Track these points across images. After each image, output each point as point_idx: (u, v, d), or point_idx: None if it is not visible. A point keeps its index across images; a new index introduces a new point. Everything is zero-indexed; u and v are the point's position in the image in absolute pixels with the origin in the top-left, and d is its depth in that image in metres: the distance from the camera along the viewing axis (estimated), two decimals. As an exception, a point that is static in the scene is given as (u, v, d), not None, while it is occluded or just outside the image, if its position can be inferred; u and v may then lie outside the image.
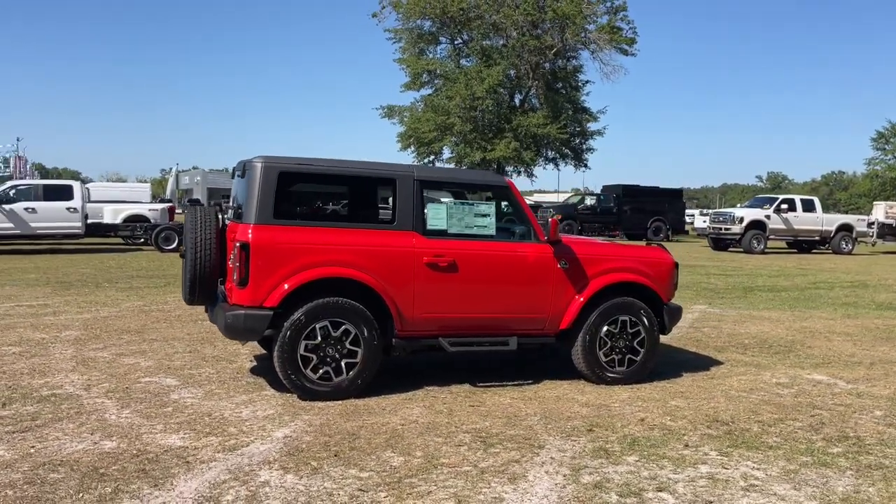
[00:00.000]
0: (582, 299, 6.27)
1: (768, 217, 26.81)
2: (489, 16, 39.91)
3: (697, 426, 5.19)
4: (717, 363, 7.38)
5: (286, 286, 5.46)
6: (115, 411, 5.17)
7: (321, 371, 5.58)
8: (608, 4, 40.75)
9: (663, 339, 8.23)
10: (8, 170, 70.19)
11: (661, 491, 3.98)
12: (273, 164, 5.62)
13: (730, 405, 5.78)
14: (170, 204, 24.04)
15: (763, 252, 26.21)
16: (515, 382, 6.33)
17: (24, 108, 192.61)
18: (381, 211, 5.94)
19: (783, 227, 27.09)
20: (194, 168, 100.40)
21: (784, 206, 27.12)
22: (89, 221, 20.80)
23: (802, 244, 28.35)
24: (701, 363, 7.34)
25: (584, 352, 6.28)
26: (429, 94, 41.77)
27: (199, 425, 4.91)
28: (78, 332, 8.13)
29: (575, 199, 37.20)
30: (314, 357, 5.54)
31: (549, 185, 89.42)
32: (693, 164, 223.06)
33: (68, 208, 19.61)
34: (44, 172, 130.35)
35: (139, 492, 3.77)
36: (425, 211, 6.00)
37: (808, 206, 27.87)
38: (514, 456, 4.46)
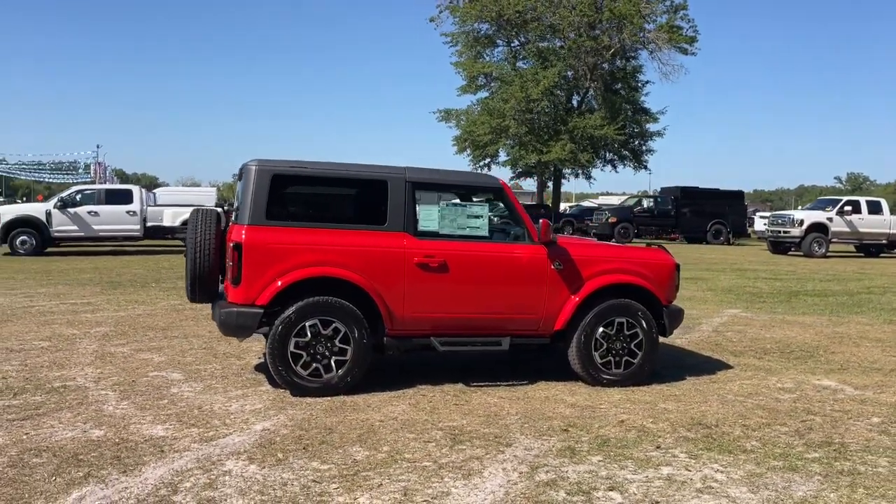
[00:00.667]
0: (576, 300, 6.28)
1: (830, 219, 25.89)
2: (546, 17, 39.77)
3: (677, 429, 5.14)
4: (727, 367, 7.25)
5: (277, 285, 5.65)
6: (114, 403, 5.45)
7: (311, 368, 5.74)
8: (667, 3, 40.11)
9: (678, 342, 8.20)
10: (88, 175, 73.41)
11: (611, 490, 3.98)
12: (266, 166, 5.83)
13: (721, 409, 5.70)
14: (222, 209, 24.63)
15: (825, 256, 25.35)
16: (510, 383, 6.37)
17: (105, 114, 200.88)
18: (373, 212, 6.06)
19: (847, 229, 26.12)
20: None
21: (848, 208, 26.15)
22: (150, 224, 21.65)
23: (870, 248, 27.28)
24: (709, 367, 7.23)
25: (580, 353, 6.28)
26: (485, 98, 41.86)
27: (187, 417, 5.13)
28: (108, 328, 8.54)
29: (631, 202, 36.66)
30: (304, 354, 5.71)
31: (615, 187, 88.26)
32: (767, 165, 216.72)
33: (128, 211, 20.47)
34: (124, 178, 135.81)
35: (107, 477, 3.99)
36: (417, 212, 6.10)
37: (875, 208, 26.79)
38: (478, 453, 4.53)
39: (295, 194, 6.07)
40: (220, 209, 6.51)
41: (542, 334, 6.34)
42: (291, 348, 5.68)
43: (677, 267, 6.69)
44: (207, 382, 6.14)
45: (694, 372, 6.98)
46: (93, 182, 65.94)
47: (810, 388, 6.43)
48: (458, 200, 6.54)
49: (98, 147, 79.45)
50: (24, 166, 76.66)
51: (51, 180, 79.75)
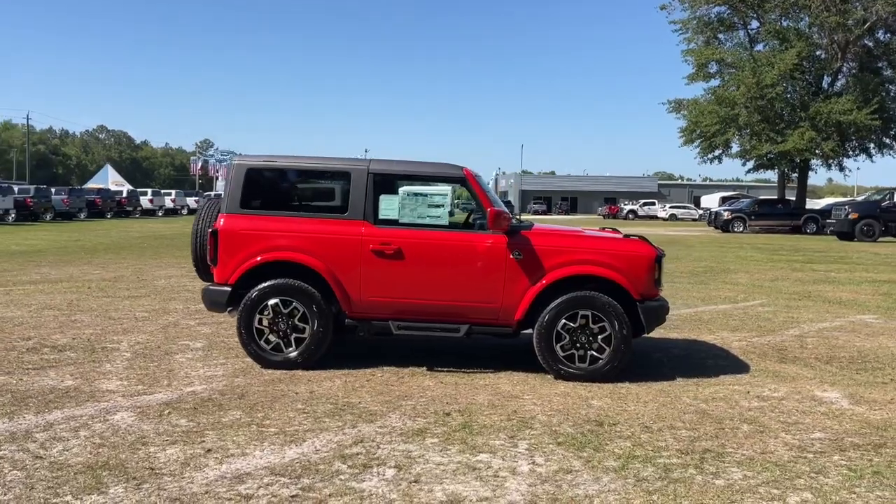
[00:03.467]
0: (535, 291, 6.21)
1: None
2: (788, -7, 36.49)
3: (562, 424, 4.99)
4: (736, 371, 6.65)
5: (243, 267, 6.34)
6: (112, 364, 6.47)
7: (273, 343, 6.35)
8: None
9: (735, 343, 7.64)
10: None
11: (394, 468, 4.10)
12: (243, 161, 6.56)
13: (660, 410, 5.36)
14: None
15: None
16: (475, 370, 6.47)
17: (366, 122, 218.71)
18: (336, 202, 6.50)
19: None
20: (523, 172, 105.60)
21: None
22: None
23: None
24: (714, 369, 6.69)
25: (540, 345, 6.21)
26: (715, 86, 39.52)
27: (148, 378, 6.00)
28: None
29: (877, 196, 32.43)
30: (267, 330, 6.34)
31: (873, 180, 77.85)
32: None
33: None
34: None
35: (20, 414, 4.92)
36: (378, 201, 6.44)
37: None
38: (333, 425, 4.83)
39: (267, 186, 6.69)
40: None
41: (504, 323, 6.35)
42: (256, 324, 6.33)
43: (657, 259, 6.29)
44: (206, 352, 6.97)
45: (689, 373, 6.51)
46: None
47: (795, 399, 5.74)
48: (419, 189, 6.69)
49: (366, 151, 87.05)
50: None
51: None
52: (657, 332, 8.25)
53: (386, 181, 6.55)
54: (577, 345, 6.19)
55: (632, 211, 63.52)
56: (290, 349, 6.34)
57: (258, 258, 6.32)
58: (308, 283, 6.32)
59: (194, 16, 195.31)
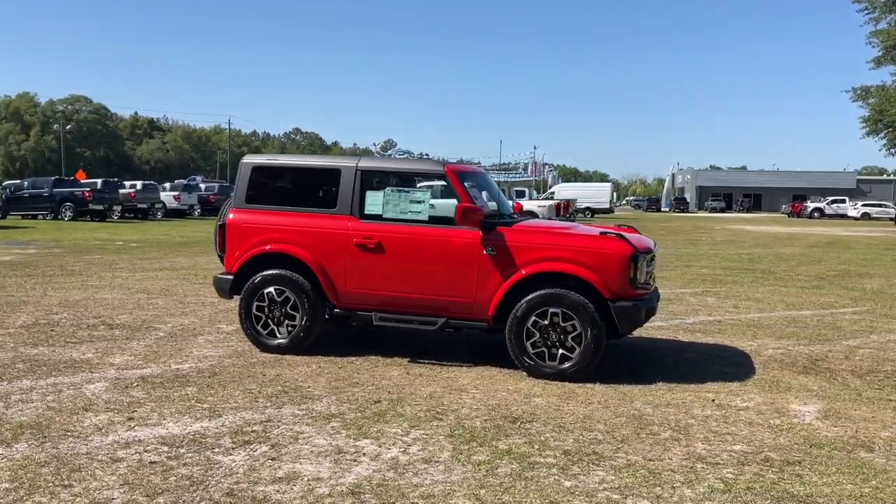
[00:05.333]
0: (505, 287, 6.23)
1: None
2: None
3: (476, 419, 5.03)
4: (739, 380, 6.25)
5: (242, 257, 6.89)
6: (139, 342, 7.26)
7: (269, 329, 6.85)
8: None
9: (768, 351, 7.22)
10: (525, 174, 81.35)
11: (261, 443, 4.40)
12: (249, 159, 7.12)
13: (595, 412, 5.24)
14: (556, 201, 25.95)
15: None
16: (455, 364, 6.59)
17: (542, 119, 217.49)
18: (328, 197, 6.86)
19: None
20: (707, 169, 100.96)
21: None
22: None
23: None
24: (725, 376, 6.34)
25: (511, 341, 6.23)
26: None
27: (155, 355, 6.69)
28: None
29: None
30: (263, 316, 6.85)
31: None
32: None
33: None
34: (576, 175, 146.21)
35: (20, 379, 5.73)
36: (365, 197, 6.73)
37: None
38: (250, 405, 5.20)
39: (270, 182, 7.17)
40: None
41: (478, 318, 6.41)
42: (254, 311, 6.86)
43: (633, 258, 6.06)
44: (223, 335, 7.59)
45: (677, 378, 6.23)
46: (530, 182, 73.02)
47: (759, 411, 5.35)
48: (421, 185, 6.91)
49: (535, 148, 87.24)
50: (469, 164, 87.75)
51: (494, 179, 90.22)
52: (687, 336, 7.93)
53: (373, 178, 6.81)
54: (548, 343, 6.13)
55: (817, 209, 58.57)
56: (283, 335, 6.79)
57: (255, 250, 6.83)
58: (300, 274, 6.73)
59: (381, 22, 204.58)
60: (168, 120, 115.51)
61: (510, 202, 8.56)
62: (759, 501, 3.74)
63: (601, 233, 6.36)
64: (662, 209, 79.79)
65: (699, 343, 7.74)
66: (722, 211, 75.24)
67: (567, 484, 3.92)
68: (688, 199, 79.20)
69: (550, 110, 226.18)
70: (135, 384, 5.68)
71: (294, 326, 6.75)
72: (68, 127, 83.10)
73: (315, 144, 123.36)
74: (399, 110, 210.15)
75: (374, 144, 75.26)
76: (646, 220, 48.07)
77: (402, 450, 4.38)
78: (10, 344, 6.96)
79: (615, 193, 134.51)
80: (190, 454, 4.24)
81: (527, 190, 35.84)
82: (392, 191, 6.68)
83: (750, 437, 4.71)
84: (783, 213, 67.32)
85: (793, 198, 73.85)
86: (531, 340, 6.16)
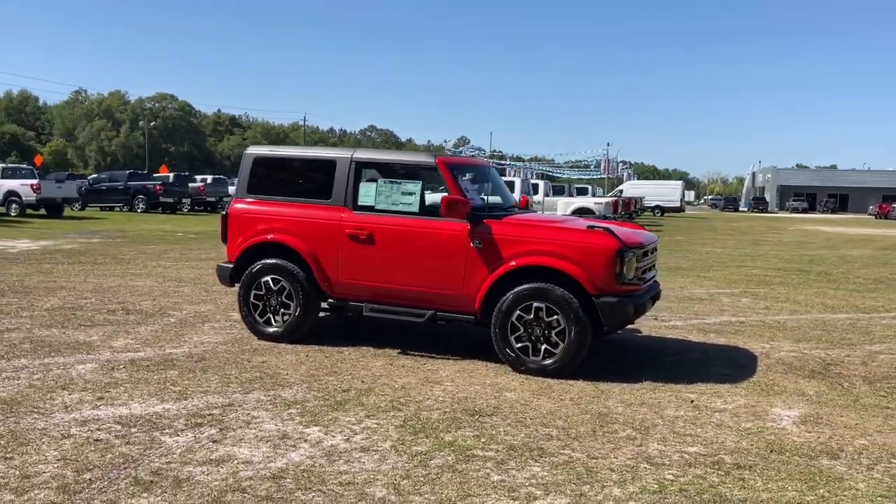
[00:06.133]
0: (490, 280, 6.17)
1: None
2: None
3: (435, 411, 5.00)
4: (732, 382, 6.01)
5: (243, 246, 7.03)
6: (147, 327, 7.50)
7: (265, 317, 6.97)
8: None
9: (779, 353, 7.02)
10: (597, 171, 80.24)
11: (211, 426, 4.48)
12: (251, 151, 7.26)
13: (562, 409, 5.13)
14: (615, 198, 25.46)
15: None
16: (444, 357, 6.56)
17: (618, 116, 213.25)
18: (323, 188, 6.91)
19: None
20: (793, 168, 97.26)
21: None
22: (548, 213, 23.95)
23: None
24: (718, 377, 6.13)
25: (496, 335, 6.16)
26: None
27: (155, 340, 6.90)
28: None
29: None
30: (260, 304, 6.97)
31: None
32: None
33: (508, 199, 22.96)
34: (655, 174, 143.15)
35: (18, 358, 6.00)
36: (358, 188, 6.76)
37: None
38: (221, 389, 5.30)
39: (271, 173, 7.26)
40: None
41: (466, 311, 6.36)
42: (252, 299, 6.99)
43: (619, 253, 5.89)
44: (222, 324, 7.73)
45: (669, 377, 6.04)
46: (603, 180, 72.06)
47: (735, 413, 5.13)
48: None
49: (609, 145, 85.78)
50: (540, 162, 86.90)
51: (565, 175, 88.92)
52: (699, 336, 7.71)
53: (367, 170, 6.84)
54: (532, 338, 6.03)
55: (906, 210, 55.60)
56: (278, 324, 6.90)
57: (253, 239, 6.96)
58: (295, 264, 6.82)
59: (457, 22, 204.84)
60: (248, 117, 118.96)
61: (515, 196, 8.47)
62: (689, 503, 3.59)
63: (588, 227, 6.21)
64: (740, 209, 77.25)
65: (709, 343, 7.47)
66: (804, 211, 72.31)
67: (495, 478, 3.85)
68: (767, 199, 76.38)
69: (628, 107, 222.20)
70: (122, 367, 5.87)
71: (289, 315, 6.84)
72: (152, 123, 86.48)
73: (390, 141, 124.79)
74: (473, 109, 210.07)
75: (446, 142, 75.46)
76: (716, 220, 46.71)
77: (345, 438, 4.39)
78: (28, 325, 7.29)
79: (693, 192, 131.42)
80: (139, 434, 4.35)
81: (589, 187, 35.29)
82: (385, 182, 6.69)
83: (711, 440, 4.52)
84: (870, 213, 64.23)
85: (882, 198, 70.31)
86: (515, 335, 6.07)
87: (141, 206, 30.91)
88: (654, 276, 6.84)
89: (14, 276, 10.82)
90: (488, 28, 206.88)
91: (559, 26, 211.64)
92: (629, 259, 5.97)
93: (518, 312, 6.05)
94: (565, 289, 5.95)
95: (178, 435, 4.35)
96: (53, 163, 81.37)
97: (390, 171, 6.83)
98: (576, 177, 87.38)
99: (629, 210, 29.29)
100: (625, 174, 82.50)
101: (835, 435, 4.67)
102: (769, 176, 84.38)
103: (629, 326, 8.00)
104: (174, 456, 4.02)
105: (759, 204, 73.07)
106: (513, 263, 6.08)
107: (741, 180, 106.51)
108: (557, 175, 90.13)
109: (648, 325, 8.29)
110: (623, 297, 5.96)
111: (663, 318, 8.75)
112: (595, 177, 75.99)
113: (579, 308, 5.88)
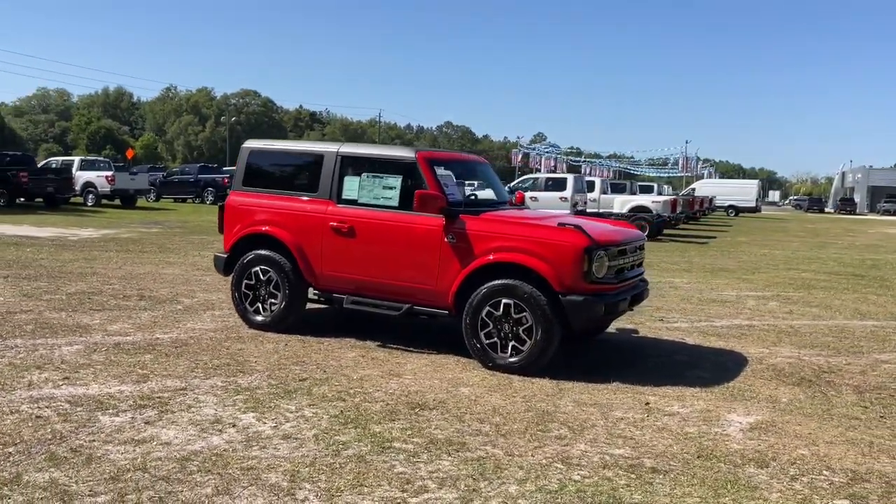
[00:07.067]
0: (463, 275, 6.17)
1: None
2: None
3: (377, 403, 5.04)
4: (703, 386, 5.84)
5: (235, 237, 7.24)
6: (151, 313, 7.80)
7: (255, 306, 7.16)
8: None
9: (775, 358, 6.88)
10: (676, 169, 78.35)
11: (149, 409, 4.65)
12: (247, 145, 7.46)
13: (509, 406, 5.09)
14: (672, 198, 24.80)
15: None
16: (421, 351, 6.59)
17: (700, 114, 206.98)
18: (311, 182, 7.03)
19: None
20: (890, 168, 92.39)
21: None
22: (602, 211, 23.65)
23: None
24: (692, 381, 5.97)
25: (466, 330, 6.16)
26: None
27: (152, 325, 7.17)
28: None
29: None
30: (250, 294, 7.17)
31: None
32: None
33: (560, 198, 22.70)
34: (740, 172, 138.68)
35: (13, 338, 6.36)
36: (343, 182, 6.86)
37: None
38: (183, 374, 5.49)
39: (264, 167, 7.43)
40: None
41: (441, 306, 6.38)
42: (243, 288, 7.19)
43: (587, 251, 5.78)
44: (220, 312, 7.94)
45: (643, 380, 5.91)
46: (682, 177, 70.55)
47: (685, 418, 4.99)
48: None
49: (687, 143, 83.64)
50: (619, 160, 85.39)
51: (645, 173, 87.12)
52: (698, 338, 7.54)
53: (352, 164, 6.91)
54: (501, 334, 6.00)
55: None
56: (266, 313, 7.07)
57: (245, 230, 7.15)
58: (283, 256, 6.97)
59: (535, 17, 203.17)
60: (328, 113, 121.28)
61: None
62: (578, 505, 3.53)
63: (559, 224, 6.12)
64: (826, 210, 73.93)
65: (704, 346, 7.25)
66: (894, 214, 68.63)
67: (398, 470, 3.87)
68: (856, 200, 72.86)
69: (712, 106, 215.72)
70: (104, 349, 6.13)
71: (276, 305, 7.01)
72: (233, 119, 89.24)
73: (465, 138, 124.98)
74: (551, 105, 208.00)
75: (519, 138, 74.96)
76: (793, 221, 44.92)
77: (275, 425, 4.48)
78: (41, 308, 7.70)
79: (779, 193, 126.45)
80: (81, 413, 4.56)
81: (655, 185, 34.42)
82: (367, 176, 6.76)
83: (643, 443, 4.41)
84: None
85: None
86: (485, 330, 6.05)
87: (210, 197, 31.97)
88: (637, 275, 6.68)
89: (59, 261, 11.42)
90: (566, 26, 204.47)
91: (643, 24, 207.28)
92: (599, 257, 5.86)
93: (488, 308, 6.02)
94: (534, 286, 5.89)
95: (118, 416, 4.54)
96: (144, 156, 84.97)
97: (373, 166, 6.87)
98: (654, 174, 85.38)
99: (692, 209, 28.50)
100: (705, 172, 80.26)
101: (778, 444, 4.48)
102: (859, 176, 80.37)
103: (627, 326, 7.89)
104: (101, 435, 4.20)
105: (846, 205, 69.77)
106: (484, 259, 6.06)
107: (831, 181, 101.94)
108: (635, 172, 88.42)
109: (651, 325, 8.10)
110: (592, 295, 5.85)
111: (670, 320, 8.53)
112: (673, 175, 74.22)
113: (546, 306, 5.82)
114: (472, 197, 6.97)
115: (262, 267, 7.04)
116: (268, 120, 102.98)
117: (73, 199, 27.29)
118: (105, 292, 8.82)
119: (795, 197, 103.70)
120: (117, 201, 28.04)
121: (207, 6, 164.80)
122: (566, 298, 5.79)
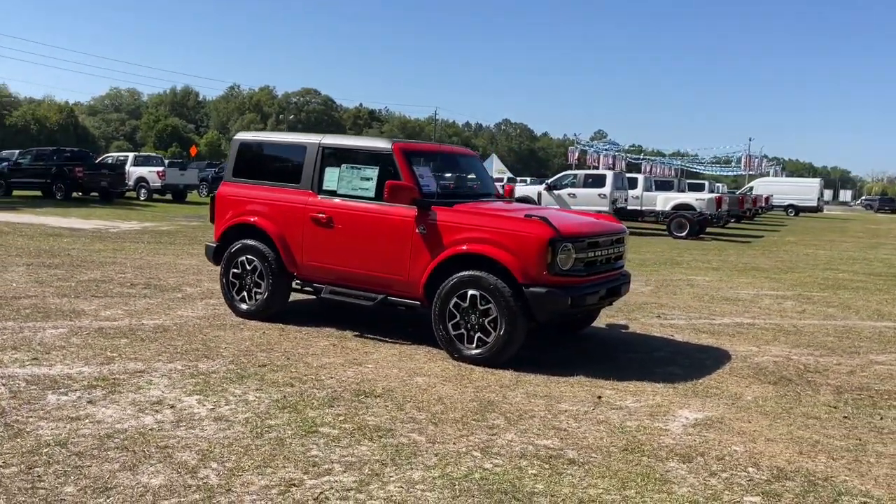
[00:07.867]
0: (432, 266, 6.17)
1: None
2: None
3: (324, 390, 5.09)
4: (669, 381, 5.71)
5: (223, 227, 7.40)
6: (147, 301, 8.02)
7: (242, 294, 7.30)
8: None
9: (763, 357, 6.60)
10: (739, 167, 76.35)
11: (102, 389, 4.79)
12: (238, 137, 7.61)
13: (456, 395, 5.09)
14: (717, 195, 24.16)
15: None
16: (395, 341, 6.62)
17: (766, 113, 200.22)
18: (295, 173, 7.11)
19: None
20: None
21: None
22: (646, 208, 23.32)
23: None
24: (658, 376, 5.86)
25: (435, 321, 6.17)
26: None
27: (144, 312, 7.39)
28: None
29: None
30: (237, 283, 7.31)
31: None
32: None
33: (600, 194, 22.40)
34: (812, 171, 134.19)
35: (5, 322, 6.65)
36: (324, 173, 6.93)
37: None
38: (153, 357, 5.63)
39: (252, 158, 7.54)
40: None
41: (412, 296, 6.40)
42: (231, 277, 7.34)
43: (551, 243, 5.71)
44: (216, 300, 8.10)
45: (611, 374, 5.82)
46: (745, 175, 68.81)
47: (632, 412, 4.89)
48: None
49: (750, 140, 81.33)
50: (682, 158, 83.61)
51: (707, 172, 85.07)
52: (688, 335, 7.41)
53: (332, 155, 6.97)
54: (468, 325, 5.98)
55: None
56: (251, 301, 7.21)
57: (233, 220, 7.30)
58: (266, 245, 7.09)
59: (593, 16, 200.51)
60: (387, 111, 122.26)
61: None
62: (475, 492, 3.49)
63: (525, 215, 6.05)
64: (898, 210, 70.95)
65: (691, 343, 7.08)
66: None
67: (312, 454, 3.91)
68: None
69: (784, 105, 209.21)
70: (85, 333, 6.34)
71: (260, 294, 7.13)
72: (291, 117, 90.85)
73: (523, 136, 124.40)
74: (612, 103, 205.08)
75: (576, 135, 74.30)
76: (856, 221, 43.27)
77: (212, 408, 4.57)
78: (46, 294, 8.01)
79: (850, 192, 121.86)
80: (33, 391, 4.73)
81: (706, 183, 33.61)
82: (346, 168, 6.81)
83: (574, 435, 4.34)
84: None
85: None
86: (453, 322, 6.04)
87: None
88: (616, 269, 6.56)
89: (88, 251, 11.84)
90: (630, 28, 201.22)
91: (701, 26, 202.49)
92: (565, 249, 5.78)
93: (455, 299, 6.01)
94: (500, 278, 5.84)
95: (66, 395, 4.69)
96: (208, 153, 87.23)
97: (352, 157, 6.91)
98: (717, 173, 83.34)
99: (741, 208, 27.73)
100: (771, 170, 77.97)
101: (715, 440, 4.35)
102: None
103: (617, 322, 7.75)
104: (41, 412, 4.35)
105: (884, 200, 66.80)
106: (452, 250, 6.05)
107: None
108: (698, 171, 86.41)
109: (646, 322, 7.95)
110: (557, 287, 5.77)
111: (669, 316, 8.34)
112: (738, 174, 72.31)
113: (511, 297, 5.77)
114: (451, 189, 6.95)
115: (248, 256, 7.17)
116: (327, 118, 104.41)
117: (128, 194, 28.26)
118: (115, 280, 9.10)
119: (867, 197, 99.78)
120: (169, 196, 28.88)
121: (271, 8, 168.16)
122: (529, 290, 5.73)
